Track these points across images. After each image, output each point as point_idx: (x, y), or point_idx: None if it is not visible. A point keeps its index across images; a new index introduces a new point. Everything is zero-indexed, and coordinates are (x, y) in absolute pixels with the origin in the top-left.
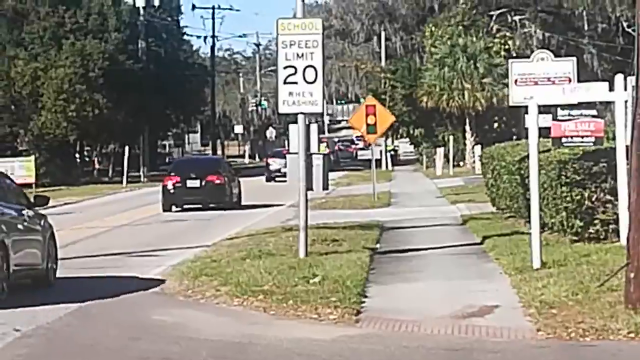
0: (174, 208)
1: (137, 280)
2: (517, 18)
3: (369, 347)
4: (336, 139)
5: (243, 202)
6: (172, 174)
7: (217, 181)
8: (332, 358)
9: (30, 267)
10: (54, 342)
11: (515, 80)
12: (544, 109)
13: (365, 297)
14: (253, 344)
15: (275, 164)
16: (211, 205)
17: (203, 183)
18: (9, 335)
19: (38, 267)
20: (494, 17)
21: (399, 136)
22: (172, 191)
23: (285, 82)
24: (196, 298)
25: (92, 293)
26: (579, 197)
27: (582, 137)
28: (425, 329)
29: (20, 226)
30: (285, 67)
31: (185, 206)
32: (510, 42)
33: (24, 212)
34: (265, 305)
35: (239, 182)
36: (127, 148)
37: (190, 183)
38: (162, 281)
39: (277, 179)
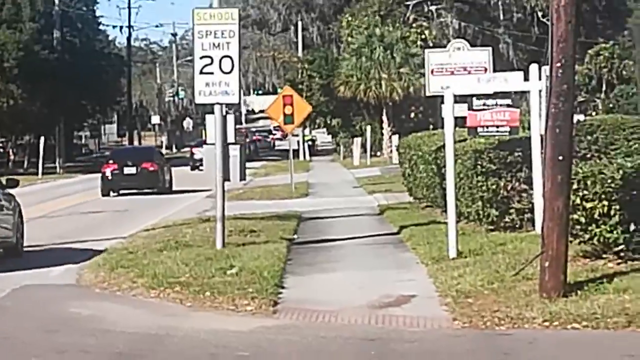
0: (111, 193)
1: (53, 272)
2: (433, 8)
3: (286, 337)
4: (253, 129)
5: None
6: (110, 161)
7: (151, 168)
8: (249, 349)
9: (4, 240)
10: None
11: (432, 70)
12: (460, 99)
13: (283, 288)
14: (170, 335)
15: (199, 153)
16: (146, 190)
17: (138, 170)
18: None
19: (9, 240)
20: (410, 7)
21: (316, 126)
22: (110, 178)
23: (201, 72)
24: (112, 290)
25: (6, 286)
26: (494, 187)
27: (498, 126)
28: (343, 319)
29: None
30: (201, 57)
31: (122, 191)
32: (426, 32)
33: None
34: (182, 297)
35: (170, 169)
36: (42, 139)
37: (127, 170)
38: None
39: (201, 167)
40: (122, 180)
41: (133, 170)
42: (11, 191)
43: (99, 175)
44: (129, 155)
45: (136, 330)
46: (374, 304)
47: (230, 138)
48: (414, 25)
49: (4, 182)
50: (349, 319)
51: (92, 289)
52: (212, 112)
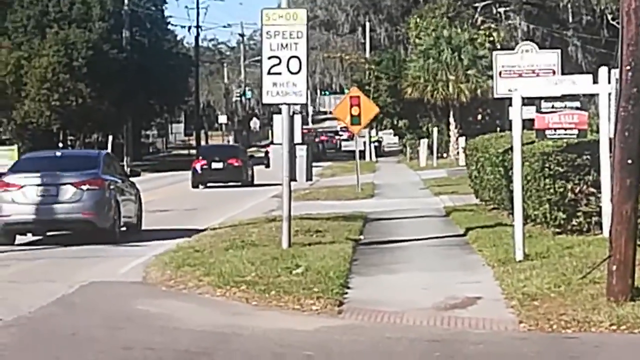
0: (200, 186)
1: (120, 270)
2: (501, 10)
3: (351, 338)
4: (320, 130)
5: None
6: (200, 157)
7: (236, 163)
8: (314, 349)
9: (128, 219)
10: (37, 332)
11: (500, 72)
12: (528, 101)
13: (348, 288)
14: (235, 334)
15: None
16: (230, 183)
17: (225, 165)
18: None
19: (131, 220)
20: (478, 9)
21: (383, 127)
22: (199, 172)
23: (269, 73)
24: (179, 288)
25: (77, 282)
26: (562, 190)
27: (566, 129)
28: (408, 320)
29: (124, 190)
30: (269, 58)
31: (210, 184)
32: (494, 34)
33: (125, 181)
34: (248, 296)
35: (252, 165)
36: (110, 138)
37: (214, 165)
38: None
39: None
40: (210, 174)
41: (220, 165)
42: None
43: (165, 173)
44: (216, 152)
45: (202, 328)
46: (439, 305)
47: (297, 138)
48: (482, 27)
49: (128, 172)
50: (415, 320)
51: (158, 286)
52: (280, 113)
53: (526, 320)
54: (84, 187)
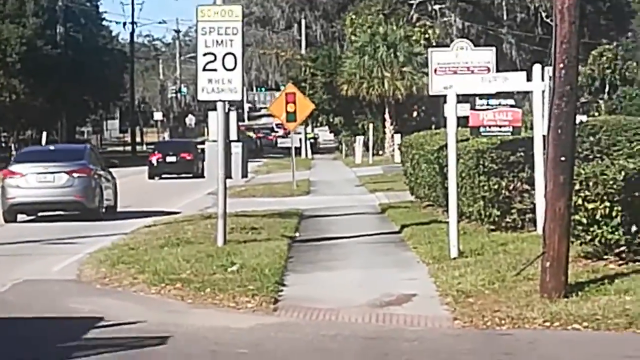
0: (155, 177)
1: (54, 267)
2: (437, 7)
3: (286, 335)
4: (256, 127)
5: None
6: (155, 151)
7: (188, 157)
8: (249, 347)
9: (108, 201)
10: None
11: (435, 70)
12: (462, 98)
13: (284, 285)
14: (170, 332)
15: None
16: (183, 174)
17: (178, 159)
18: None
19: (111, 202)
20: (414, 6)
21: (318, 124)
22: (155, 164)
23: (204, 69)
24: (113, 286)
25: (10, 280)
26: (496, 187)
27: (500, 126)
28: (343, 318)
29: (105, 178)
30: (204, 54)
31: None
32: (430, 31)
33: (105, 170)
34: (183, 294)
35: (202, 159)
36: (44, 134)
37: (169, 159)
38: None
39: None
40: (165, 167)
41: (174, 159)
42: None
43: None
44: (170, 147)
45: (136, 326)
46: (374, 302)
47: (233, 135)
48: (417, 24)
49: (103, 163)
50: (350, 318)
51: (93, 284)
52: (215, 109)
53: (460, 317)
54: (75, 175)
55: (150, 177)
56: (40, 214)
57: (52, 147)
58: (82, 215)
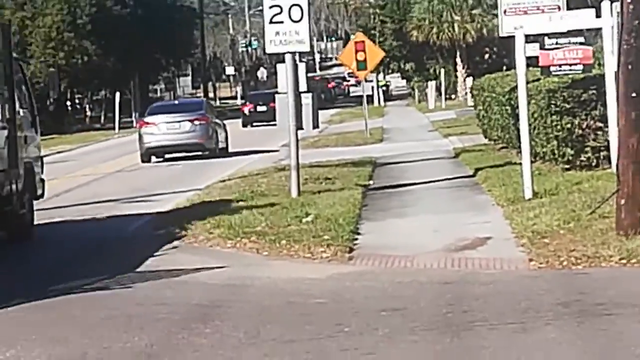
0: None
1: (131, 226)
2: None
3: (362, 284)
4: (327, 76)
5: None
6: (247, 102)
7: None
8: (326, 296)
9: (222, 142)
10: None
11: (505, 11)
12: (532, 38)
13: (358, 234)
14: (247, 285)
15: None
16: (272, 123)
17: (268, 108)
18: None
19: (223, 143)
20: None
21: (390, 71)
22: (247, 114)
23: (271, 22)
24: (189, 241)
25: (89, 236)
26: (569, 126)
27: (571, 65)
28: (419, 264)
29: (218, 124)
30: (270, 7)
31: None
32: None
33: (218, 118)
34: (258, 247)
35: None
36: (118, 94)
37: (259, 108)
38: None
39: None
40: (257, 115)
41: (264, 108)
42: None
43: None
44: (260, 98)
45: (214, 281)
46: (449, 247)
47: (303, 86)
48: None
49: (216, 114)
50: (425, 263)
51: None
52: (284, 62)
53: (536, 258)
54: (196, 122)
55: (244, 125)
56: (167, 155)
57: (176, 102)
58: (204, 154)
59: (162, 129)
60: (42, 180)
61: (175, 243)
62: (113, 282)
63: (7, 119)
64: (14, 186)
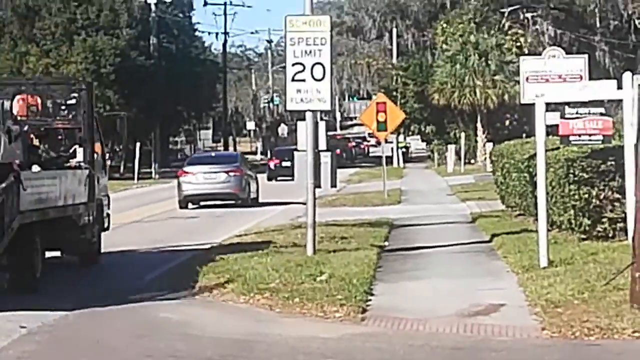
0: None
1: (146, 277)
2: (529, 15)
3: (374, 345)
4: (348, 136)
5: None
6: (273, 157)
7: None
8: (337, 356)
9: (253, 193)
10: (60, 340)
11: (527, 78)
12: (553, 107)
13: (372, 295)
14: (259, 341)
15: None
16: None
17: (292, 164)
18: (15, 332)
19: (254, 194)
20: (505, 14)
21: (410, 133)
22: (273, 169)
23: (293, 79)
24: (202, 295)
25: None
26: (587, 195)
27: (590, 135)
28: (431, 328)
29: (251, 176)
30: (293, 64)
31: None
32: (522, 39)
33: (251, 170)
34: (272, 303)
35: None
36: (138, 144)
37: (284, 163)
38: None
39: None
40: (282, 170)
41: (289, 164)
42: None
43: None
44: (285, 153)
45: (225, 335)
46: (462, 312)
47: (322, 145)
48: (509, 32)
49: (249, 166)
50: (437, 328)
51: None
52: (304, 119)
53: (549, 327)
54: (231, 174)
55: (269, 179)
56: (202, 203)
57: (213, 154)
58: (237, 203)
59: (199, 178)
60: (108, 215)
61: (189, 296)
62: (125, 332)
63: (89, 162)
64: (89, 218)
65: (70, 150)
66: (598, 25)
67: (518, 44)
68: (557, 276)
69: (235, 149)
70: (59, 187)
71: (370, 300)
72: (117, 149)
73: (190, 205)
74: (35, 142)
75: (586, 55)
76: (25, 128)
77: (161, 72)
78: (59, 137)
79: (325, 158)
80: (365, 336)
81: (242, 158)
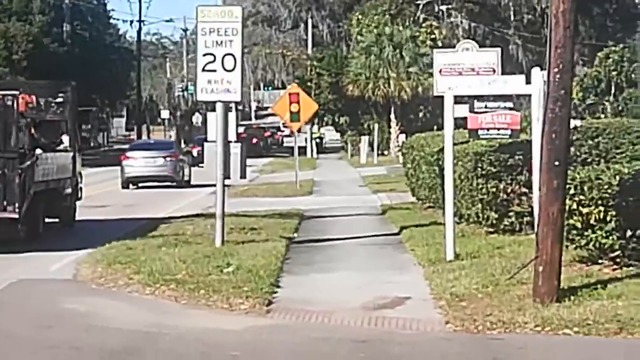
0: None
1: (52, 267)
2: (443, 8)
3: (278, 337)
4: (263, 125)
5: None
6: (195, 145)
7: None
8: (240, 348)
9: (185, 176)
10: None
11: (440, 70)
12: (462, 100)
13: (279, 287)
14: (162, 333)
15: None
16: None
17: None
18: None
19: (187, 177)
20: (420, 7)
21: (324, 124)
22: (196, 156)
23: (204, 70)
24: (109, 286)
25: (6, 279)
26: (494, 189)
27: (499, 129)
28: (336, 320)
29: (184, 161)
30: (204, 55)
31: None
32: (436, 32)
33: (184, 155)
34: (177, 295)
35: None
36: None
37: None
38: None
39: (200, 165)
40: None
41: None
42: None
43: (107, 168)
44: (201, 143)
45: (129, 327)
46: (368, 305)
47: (232, 136)
48: (423, 24)
49: (184, 151)
50: (343, 320)
51: (88, 284)
52: (214, 110)
53: (453, 320)
54: (168, 159)
55: (193, 165)
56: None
57: (152, 141)
58: (171, 185)
59: (140, 162)
60: (81, 188)
61: (94, 287)
62: (29, 323)
63: (72, 146)
64: (69, 189)
65: (60, 138)
66: (512, 18)
67: (432, 36)
68: (462, 270)
69: (148, 137)
70: (54, 166)
71: (276, 292)
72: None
73: (130, 186)
74: (33, 131)
75: (499, 49)
76: (28, 120)
77: (74, 59)
78: (50, 127)
79: (235, 149)
80: (270, 328)
81: (177, 145)
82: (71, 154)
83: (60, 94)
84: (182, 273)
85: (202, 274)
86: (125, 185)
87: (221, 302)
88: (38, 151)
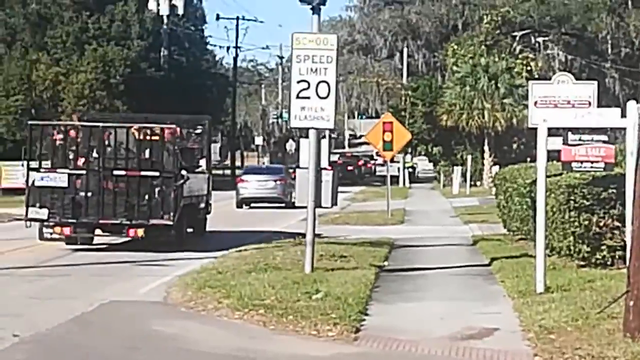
0: None
1: (142, 289)
2: (540, 39)
3: None
4: (356, 154)
5: None
6: (294, 170)
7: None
8: None
9: (293, 197)
10: (52, 350)
11: (535, 102)
12: (556, 132)
13: (367, 315)
14: (250, 358)
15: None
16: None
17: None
18: (7, 340)
19: (294, 200)
20: (517, 38)
21: (417, 153)
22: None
23: (298, 97)
24: (198, 310)
25: (98, 300)
26: (587, 222)
27: (593, 162)
28: (423, 350)
29: (291, 184)
30: (298, 82)
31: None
32: (532, 64)
33: (291, 179)
34: (265, 320)
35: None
36: None
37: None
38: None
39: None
40: None
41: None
42: None
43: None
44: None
45: (217, 351)
46: (455, 335)
47: (324, 163)
48: (519, 56)
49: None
50: (430, 350)
51: (178, 307)
52: (307, 136)
53: (541, 353)
54: (278, 182)
55: None
56: (253, 205)
57: (264, 166)
58: (281, 205)
59: (253, 184)
60: (211, 204)
61: (184, 310)
62: (117, 344)
63: (207, 169)
64: (203, 204)
65: (198, 162)
66: (609, 52)
67: (528, 68)
68: (552, 302)
69: (242, 163)
70: (195, 184)
71: (364, 320)
72: None
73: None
74: (179, 156)
75: (596, 82)
76: (176, 148)
77: (171, 84)
78: (191, 153)
79: (327, 177)
80: (357, 356)
81: (286, 170)
82: (206, 175)
83: (199, 126)
84: (271, 298)
85: (290, 300)
86: (239, 205)
87: (309, 328)
88: (184, 172)
